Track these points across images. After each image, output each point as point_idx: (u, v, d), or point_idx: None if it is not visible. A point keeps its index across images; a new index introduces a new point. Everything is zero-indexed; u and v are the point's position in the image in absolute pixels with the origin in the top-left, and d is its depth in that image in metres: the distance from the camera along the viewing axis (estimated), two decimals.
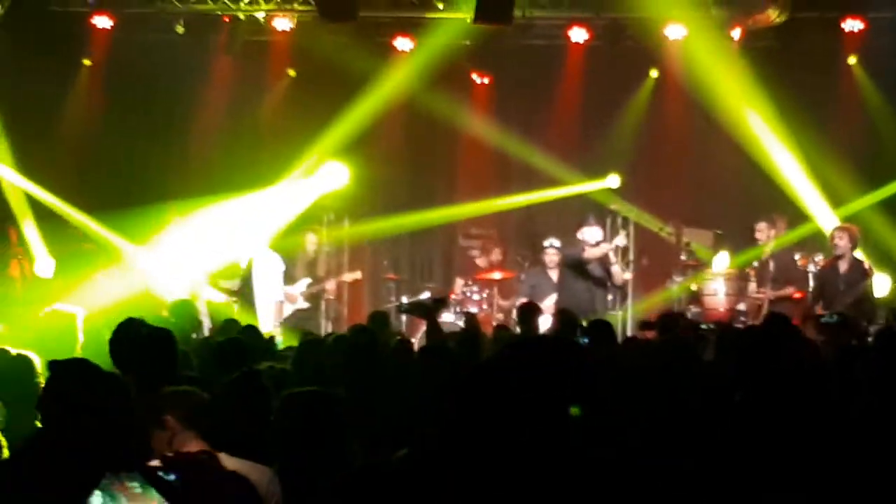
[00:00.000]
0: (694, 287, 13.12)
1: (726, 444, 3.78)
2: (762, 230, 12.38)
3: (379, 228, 14.40)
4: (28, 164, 13.20)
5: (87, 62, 14.07)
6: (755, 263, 12.45)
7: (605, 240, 12.27)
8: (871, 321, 10.62)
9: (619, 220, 13.29)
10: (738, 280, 12.62)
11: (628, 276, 12.78)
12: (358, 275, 13.54)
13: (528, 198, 14.54)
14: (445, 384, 2.89)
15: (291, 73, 14.31)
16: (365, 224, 14.24)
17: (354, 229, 14.16)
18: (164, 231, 12.19)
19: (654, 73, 14.24)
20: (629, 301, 13.82)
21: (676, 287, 13.38)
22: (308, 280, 12.49)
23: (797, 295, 11.99)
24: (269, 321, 11.35)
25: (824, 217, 13.08)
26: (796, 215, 13.23)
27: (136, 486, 1.82)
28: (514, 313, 11.77)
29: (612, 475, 2.43)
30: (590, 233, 12.36)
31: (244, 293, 11.69)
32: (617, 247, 12.24)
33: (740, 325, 10.83)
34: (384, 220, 14.37)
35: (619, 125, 14.25)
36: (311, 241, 12.75)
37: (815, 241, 12.99)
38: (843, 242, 11.37)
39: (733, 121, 13.24)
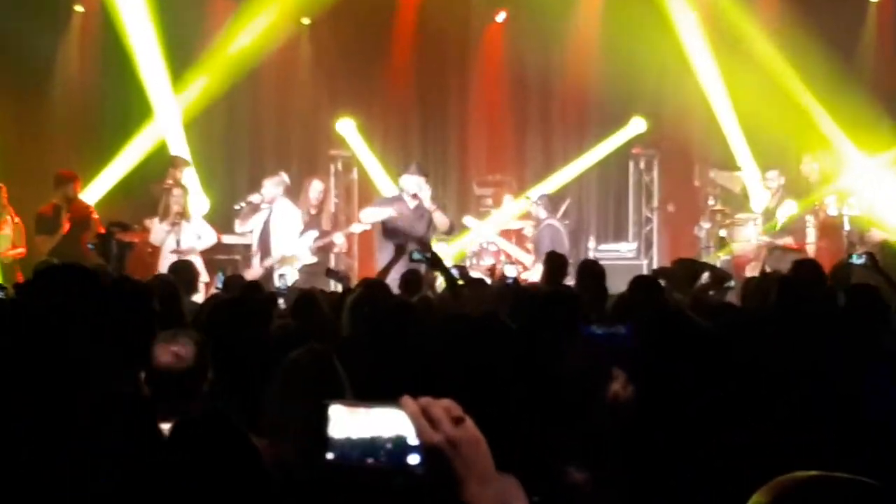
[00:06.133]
0: (723, 233, 12.88)
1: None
2: (772, 178, 12.24)
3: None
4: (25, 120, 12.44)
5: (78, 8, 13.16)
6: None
7: None
8: None
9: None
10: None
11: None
12: (367, 225, 12.93)
13: None
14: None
15: (305, 21, 13.71)
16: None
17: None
18: None
19: None
20: (654, 249, 13.64)
21: (703, 233, 13.15)
22: (315, 233, 11.68)
23: (795, 246, 11.73)
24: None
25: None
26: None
27: None
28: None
29: None
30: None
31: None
32: None
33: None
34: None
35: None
36: (316, 189, 11.57)
37: None
38: None
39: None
